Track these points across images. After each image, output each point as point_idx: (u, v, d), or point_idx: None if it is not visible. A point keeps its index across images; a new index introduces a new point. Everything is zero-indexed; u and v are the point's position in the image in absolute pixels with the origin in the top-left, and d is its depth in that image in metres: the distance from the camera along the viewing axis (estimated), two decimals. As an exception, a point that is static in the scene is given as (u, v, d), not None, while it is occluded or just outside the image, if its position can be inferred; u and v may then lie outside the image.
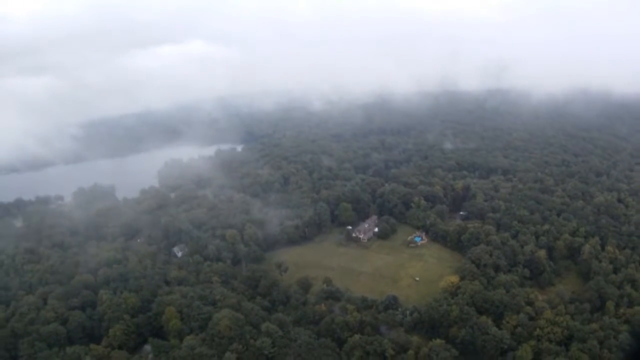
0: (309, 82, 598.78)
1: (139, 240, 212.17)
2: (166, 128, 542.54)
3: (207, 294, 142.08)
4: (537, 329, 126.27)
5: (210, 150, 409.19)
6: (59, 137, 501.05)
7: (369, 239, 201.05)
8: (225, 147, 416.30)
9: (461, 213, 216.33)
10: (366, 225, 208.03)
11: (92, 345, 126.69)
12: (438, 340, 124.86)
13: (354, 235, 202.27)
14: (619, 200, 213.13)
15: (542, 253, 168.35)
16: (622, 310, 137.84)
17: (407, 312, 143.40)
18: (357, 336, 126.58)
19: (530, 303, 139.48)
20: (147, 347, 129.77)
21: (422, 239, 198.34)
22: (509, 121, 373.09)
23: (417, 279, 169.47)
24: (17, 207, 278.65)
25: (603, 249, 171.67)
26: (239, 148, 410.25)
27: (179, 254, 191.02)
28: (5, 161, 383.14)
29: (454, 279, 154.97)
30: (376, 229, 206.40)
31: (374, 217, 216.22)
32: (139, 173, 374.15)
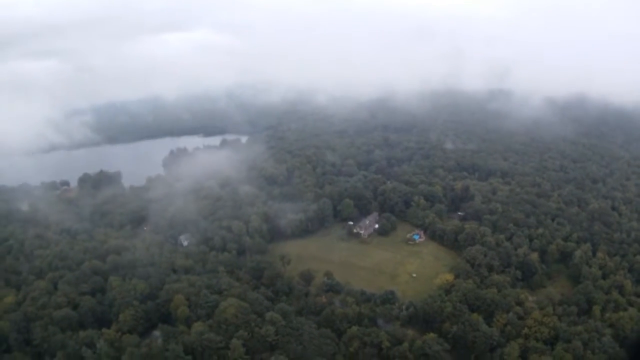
0: (315, 76, 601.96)
1: (145, 228, 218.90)
2: (171, 116, 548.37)
3: (213, 283, 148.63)
4: (525, 328, 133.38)
5: (214, 140, 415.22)
6: (65, 122, 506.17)
7: (369, 235, 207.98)
8: (229, 137, 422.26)
9: (459, 213, 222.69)
10: (367, 222, 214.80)
11: (104, 330, 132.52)
12: (431, 335, 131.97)
13: (355, 230, 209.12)
14: (613, 208, 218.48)
15: (534, 256, 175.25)
16: (607, 315, 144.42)
17: (404, 307, 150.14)
18: (355, 328, 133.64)
19: (520, 303, 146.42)
20: (156, 333, 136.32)
21: (420, 237, 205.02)
22: (509, 124, 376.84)
23: (414, 275, 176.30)
24: (23, 191, 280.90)
25: (594, 254, 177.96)
26: (244, 139, 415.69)
27: (185, 243, 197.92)
28: (10, 145, 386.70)
29: (449, 277, 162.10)
30: (377, 226, 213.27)
31: (375, 214, 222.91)
32: (144, 160, 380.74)
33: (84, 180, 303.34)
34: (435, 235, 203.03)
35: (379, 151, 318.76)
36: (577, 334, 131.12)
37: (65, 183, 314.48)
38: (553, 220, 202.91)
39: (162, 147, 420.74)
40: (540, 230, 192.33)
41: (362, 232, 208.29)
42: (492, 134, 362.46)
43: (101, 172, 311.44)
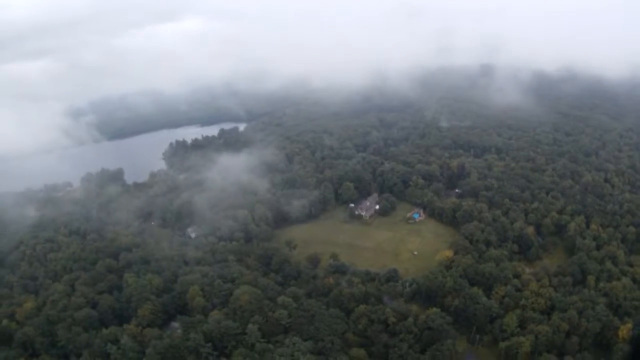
0: (308, 60, 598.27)
1: (152, 223, 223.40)
2: (167, 107, 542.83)
3: (225, 273, 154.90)
4: (523, 299, 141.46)
5: (212, 130, 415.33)
6: (63, 121, 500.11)
7: (370, 216, 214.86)
8: (227, 126, 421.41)
9: (456, 191, 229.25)
10: (368, 203, 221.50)
11: (126, 325, 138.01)
12: (434, 309, 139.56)
13: (356, 212, 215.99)
14: (606, 180, 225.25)
15: (530, 230, 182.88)
16: (601, 285, 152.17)
17: (407, 284, 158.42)
18: (362, 306, 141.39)
19: (517, 276, 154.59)
20: (174, 324, 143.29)
21: (420, 216, 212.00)
22: (502, 99, 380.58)
23: (416, 253, 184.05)
24: (27, 196, 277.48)
25: (588, 226, 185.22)
26: (241, 127, 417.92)
27: (193, 235, 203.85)
28: (10, 148, 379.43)
29: (449, 253, 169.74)
30: (377, 207, 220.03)
31: (375, 195, 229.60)
32: (144, 154, 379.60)
33: (87, 179, 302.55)
34: (434, 213, 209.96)
35: (375, 132, 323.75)
36: (572, 304, 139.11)
37: (69, 184, 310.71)
38: (547, 194, 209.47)
39: (160, 140, 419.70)
40: (535, 205, 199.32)
41: (363, 213, 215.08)
42: (486, 109, 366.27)
43: (103, 170, 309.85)
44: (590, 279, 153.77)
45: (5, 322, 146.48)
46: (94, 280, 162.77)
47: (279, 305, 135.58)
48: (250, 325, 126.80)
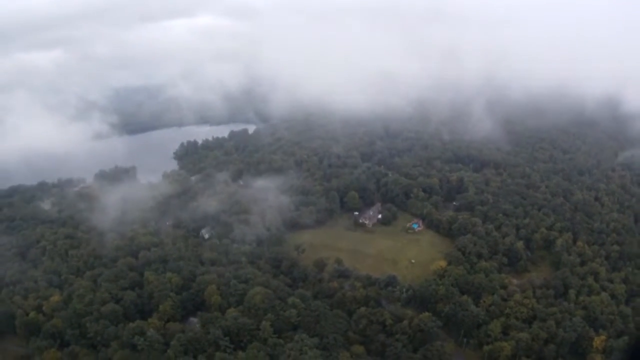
0: (319, 61, 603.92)
1: (167, 224, 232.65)
2: (177, 105, 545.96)
3: (240, 274, 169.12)
4: (507, 308, 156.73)
5: (221, 130, 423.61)
6: (77, 114, 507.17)
7: (373, 225, 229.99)
8: (236, 127, 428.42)
9: (454, 204, 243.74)
10: (371, 213, 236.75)
11: (150, 320, 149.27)
12: (427, 314, 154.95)
13: (360, 221, 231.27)
14: (596, 199, 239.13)
15: (520, 244, 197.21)
16: (581, 298, 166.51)
17: (404, 290, 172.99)
18: (363, 308, 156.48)
19: (504, 287, 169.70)
20: (193, 319, 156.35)
21: (419, 226, 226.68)
22: (505, 112, 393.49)
23: (413, 261, 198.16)
24: (41, 190, 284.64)
25: (574, 243, 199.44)
26: (251, 129, 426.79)
27: (206, 236, 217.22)
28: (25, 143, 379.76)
29: (443, 263, 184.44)
30: (380, 216, 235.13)
31: (378, 205, 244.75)
32: (155, 152, 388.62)
33: (101, 176, 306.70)
34: (432, 225, 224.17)
35: (380, 142, 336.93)
36: (552, 314, 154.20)
37: (82, 180, 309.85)
38: (539, 210, 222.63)
39: (170, 138, 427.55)
40: (527, 220, 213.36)
41: (366, 222, 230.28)
42: (488, 123, 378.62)
43: (117, 167, 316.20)
44: (572, 293, 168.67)
45: (32, 314, 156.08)
46: (116, 277, 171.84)
47: (289, 305, 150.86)
48: (263, 322, 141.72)
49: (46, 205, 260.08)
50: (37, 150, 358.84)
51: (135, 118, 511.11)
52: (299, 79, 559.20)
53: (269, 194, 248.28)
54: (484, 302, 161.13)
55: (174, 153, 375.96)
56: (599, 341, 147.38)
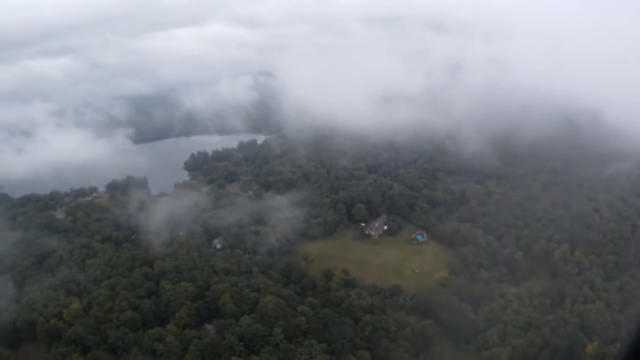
0: (326, 71, 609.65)
1: (180, 234, 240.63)
2: (185, 114, 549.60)
3: (252, 283, 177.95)
4: (505, 316, 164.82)
5: (230, 140, 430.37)
6: (87, 122, 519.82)
7: (379, 236, 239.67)
8: (245, 138, 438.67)
9: (457, 215, 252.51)
10: (377, 224, 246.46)
11: (168, 327, 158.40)
12: (429, 321, 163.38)
13: (366, 232, 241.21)
14: (595, 210, 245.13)
15: (519, 255, 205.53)
16: (577, 307, 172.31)
17: (408, 298, 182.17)
18: (368, 316, 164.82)
19: (502, 296, 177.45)
20: (208, 326, 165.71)
21: (423, 237, 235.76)
22: (507, 122, 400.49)
23: (417, 271, 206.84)
24: (54, 199, 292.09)
25: (572, 253, 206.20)
26: (259, 139, 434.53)
27: (219, 246, 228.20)
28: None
29: (445, 273, 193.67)
30: (385, 227, 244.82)
31: (384, 216, 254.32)
32: (164, 162, 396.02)
33: (113, 186, 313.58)
34: (435, 236, 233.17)
35: (386, 154, 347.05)
36: (547, 322, 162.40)
37: (94, 190, 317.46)
38: (538, 221, 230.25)
39: (179, 147, 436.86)
40: (526, 232, 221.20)
41: (372, 233, 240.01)
42: (491, 133, 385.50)
43: (129, 178, 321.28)
44: (567, 301, 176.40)
45: (53, 321, 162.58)
46: (133, 286, 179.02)
47: (299, 313, 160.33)
48: (275, 329, 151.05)
49: (59, 214, 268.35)
50: (46, 160, 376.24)
51: (145, 127, 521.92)
52: (308, 89, 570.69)
53: (278, 206, 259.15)
54: (483, 310, 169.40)
55: (185, 163, 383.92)
56: (591, 347, 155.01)
